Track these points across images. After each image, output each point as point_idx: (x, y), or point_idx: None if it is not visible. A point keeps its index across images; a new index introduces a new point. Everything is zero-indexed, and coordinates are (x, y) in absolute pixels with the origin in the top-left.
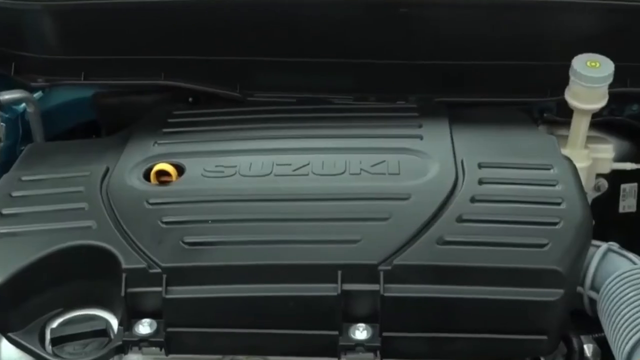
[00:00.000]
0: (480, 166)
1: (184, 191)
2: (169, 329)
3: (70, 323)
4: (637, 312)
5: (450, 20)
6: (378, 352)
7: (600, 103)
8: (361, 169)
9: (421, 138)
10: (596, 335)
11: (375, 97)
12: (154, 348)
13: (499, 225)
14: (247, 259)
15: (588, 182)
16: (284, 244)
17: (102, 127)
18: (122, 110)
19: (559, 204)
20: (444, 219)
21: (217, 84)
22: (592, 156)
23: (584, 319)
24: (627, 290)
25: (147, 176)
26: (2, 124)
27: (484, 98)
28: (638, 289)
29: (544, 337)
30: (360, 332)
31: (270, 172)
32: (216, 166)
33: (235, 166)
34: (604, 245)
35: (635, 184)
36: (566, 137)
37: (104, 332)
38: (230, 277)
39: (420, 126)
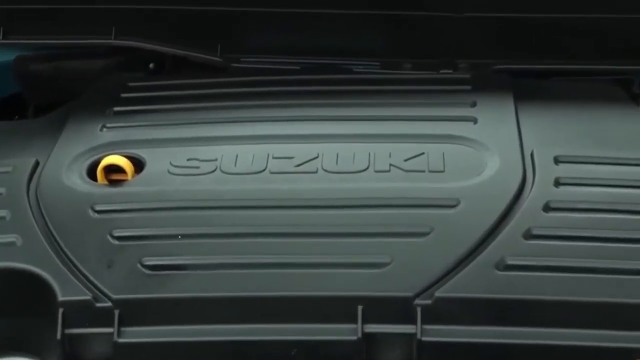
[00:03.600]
0: (557, 161)
1: (143, 194)
2: None
3: None
4: None
5: None
6: None
7: None
8: (391, 165)
9: (475, 121)
10: None
11: (412, 64)
12: None
13: (584, 244)
14: (232, 289)
15: None
16: (283, 269)
17: (28, 103)
18: (56, 81)
19: None
20: (507, 235)
21: (190, 44)
22: None
23: None
24: None
25: (92, 173)
26: None
27: (563, 65)
28: None
29: None
30: None
31: (264, 169)
32: (188, 159)
33: (214, 159)
34: None
35: None
36: None
37: None
38: (207, 314)
39: (473, 104)
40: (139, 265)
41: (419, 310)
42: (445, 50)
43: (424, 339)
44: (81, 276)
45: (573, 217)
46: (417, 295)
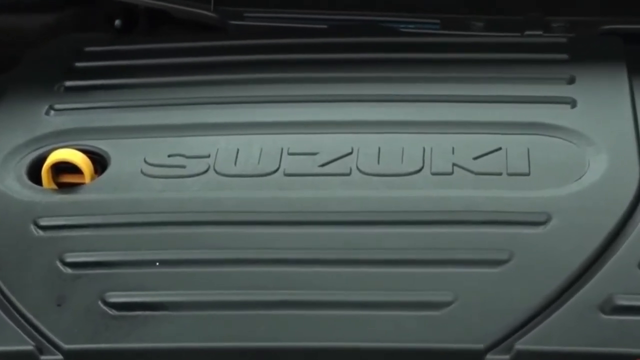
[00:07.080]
0: None
1: (106, 203)
2: None
3: None
4: None
5: None
6: None
7: None
8: (455, 165)
9: (573, 104)
10: None
11: (485, 23)
12: None
13: None
14: (228, 338)
15: None
16: (302, 310)
17: None
18: None
19: None
20: (616, 264)
21: None
22: None
23: None
24: None
25: (35, 173)
26: None
27: None
28: None
29: None
30: None
31: (277, 169)
32: (170, 155)
33: (206, 156)
34: None
35: None
36: None
37: None
38: None
39: (571, 81)
40: (99, 303)
41: None
42: (532, 4)
43: None
44: (20, 318)
45: None
46: (491, 348)
